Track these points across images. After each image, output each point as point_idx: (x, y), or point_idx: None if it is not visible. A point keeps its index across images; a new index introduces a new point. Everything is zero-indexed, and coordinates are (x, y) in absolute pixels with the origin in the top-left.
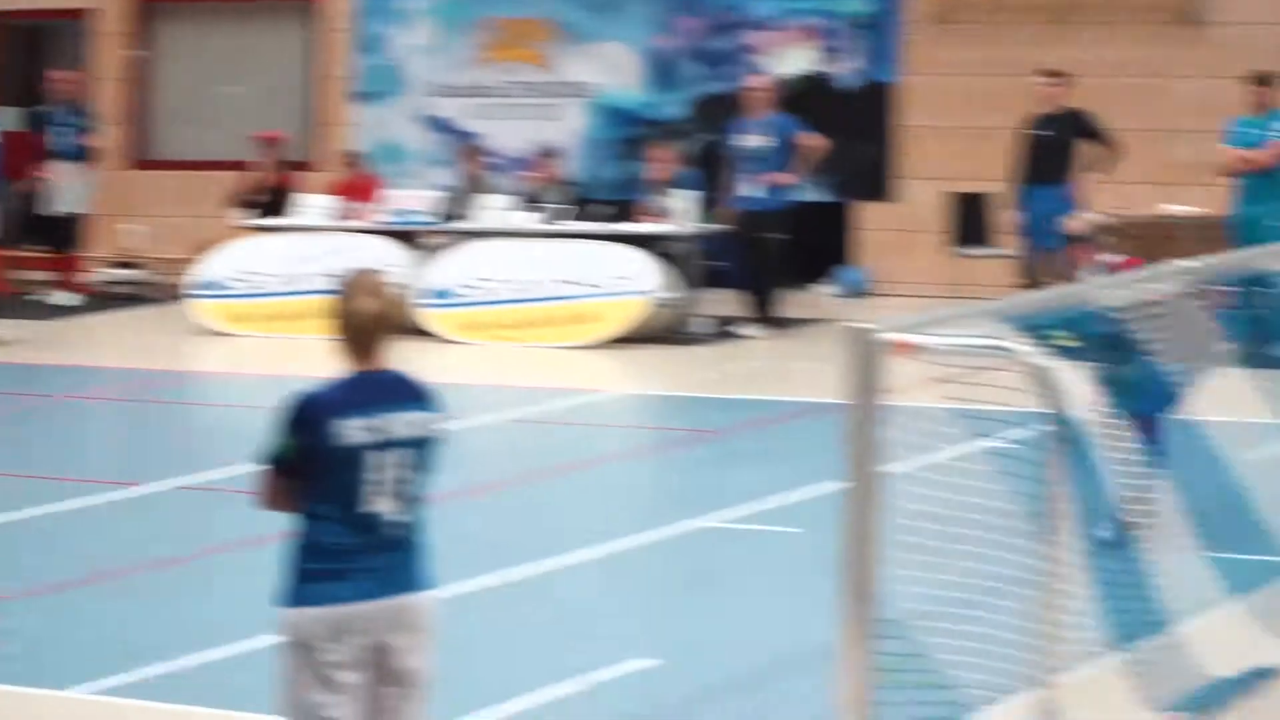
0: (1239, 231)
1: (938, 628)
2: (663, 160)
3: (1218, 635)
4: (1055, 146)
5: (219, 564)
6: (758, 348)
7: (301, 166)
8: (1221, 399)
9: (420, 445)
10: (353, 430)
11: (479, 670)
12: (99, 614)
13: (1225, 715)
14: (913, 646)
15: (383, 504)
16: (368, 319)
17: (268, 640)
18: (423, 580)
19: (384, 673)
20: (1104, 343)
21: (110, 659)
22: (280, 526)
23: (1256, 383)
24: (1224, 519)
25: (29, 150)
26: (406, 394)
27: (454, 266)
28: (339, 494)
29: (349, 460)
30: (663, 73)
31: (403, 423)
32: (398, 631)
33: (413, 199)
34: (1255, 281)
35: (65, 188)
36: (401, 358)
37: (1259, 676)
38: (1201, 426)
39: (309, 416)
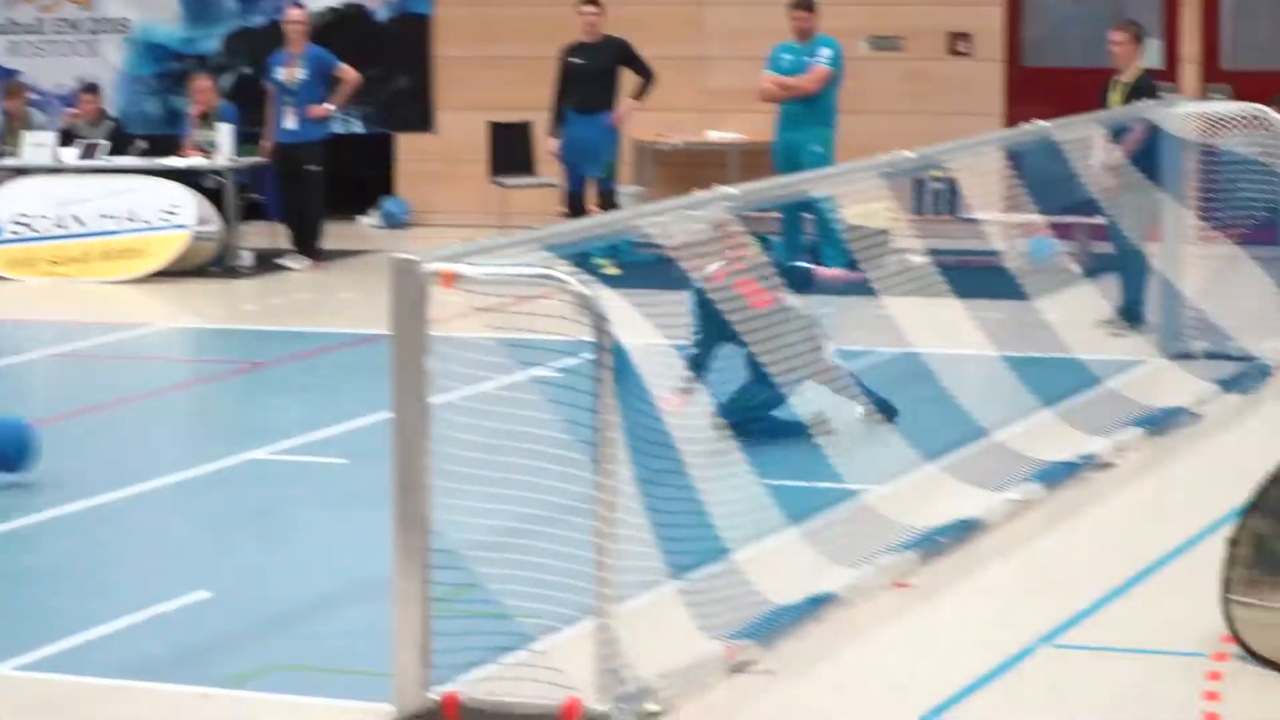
0: (780, 158)
1: (494, 558)
2: (202, 94)
3: (777, 563)
4: (595, 75)
5: None
6: (302, 280)
7: None
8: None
9: None
10: None
11: (38, 605)
12: None
13: (786, 642)
14: (469, 577)
15: None
16: None
17: None
18: None
19: None
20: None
21: None
22: None
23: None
24: (779, 446)
25: None
26: None
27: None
28: None
29: None
30: (200, 7)
31: None
32: None
33: None
34: (799, 207)
35: None
36: None
37: (818, 602)
38: (750, 356)
39: None
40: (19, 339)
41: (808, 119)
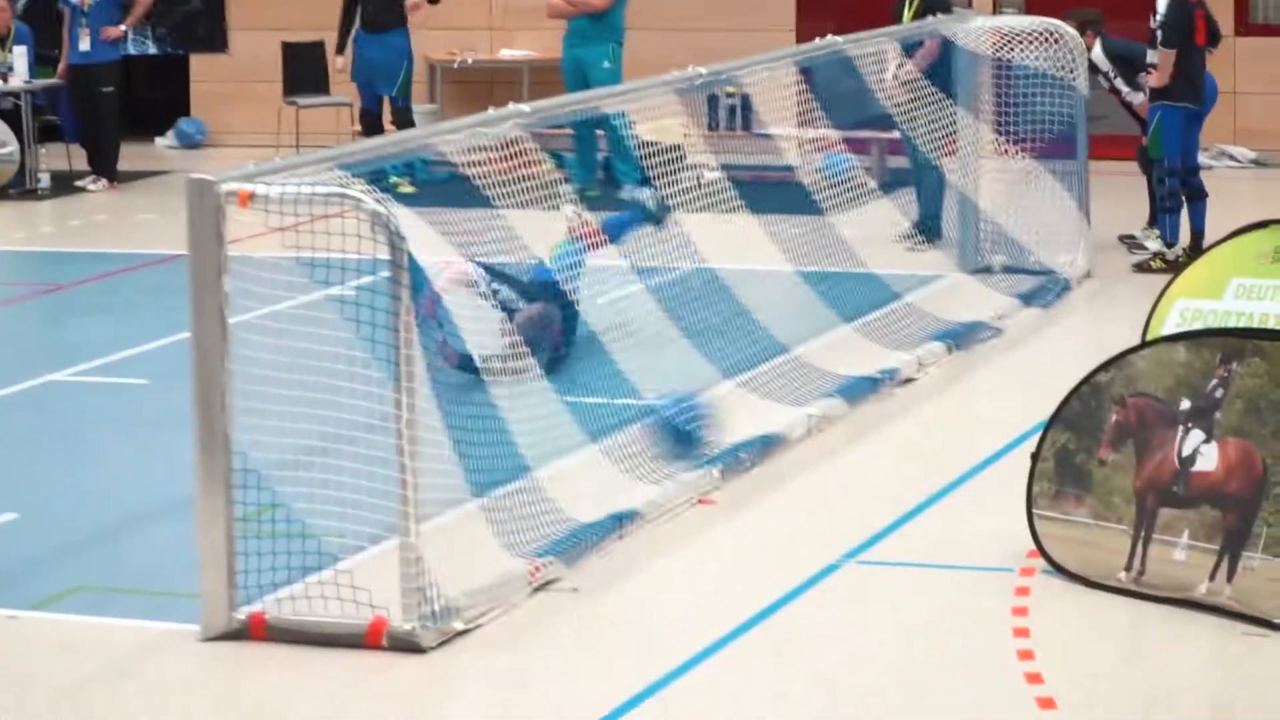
0: (568, 74)
1: (297, 477)
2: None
3: (578, 480)
4: None
5: None
6: (99, 201)
7: None
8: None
9: None
10: None
11: None
12: None
13: (589, 560)
14: (272, 497)
15: None
16: None
17: None
18: None
19: None
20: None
21: None
22: None
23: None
24: (582, 363)
25: None
26: None
27: None
28: None
29: None
30: None
31: None
32: None
33: None
34: (592, 124)
35: None
36: None
37: (620, 520)
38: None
39: None
40: None
41: (595, 35)
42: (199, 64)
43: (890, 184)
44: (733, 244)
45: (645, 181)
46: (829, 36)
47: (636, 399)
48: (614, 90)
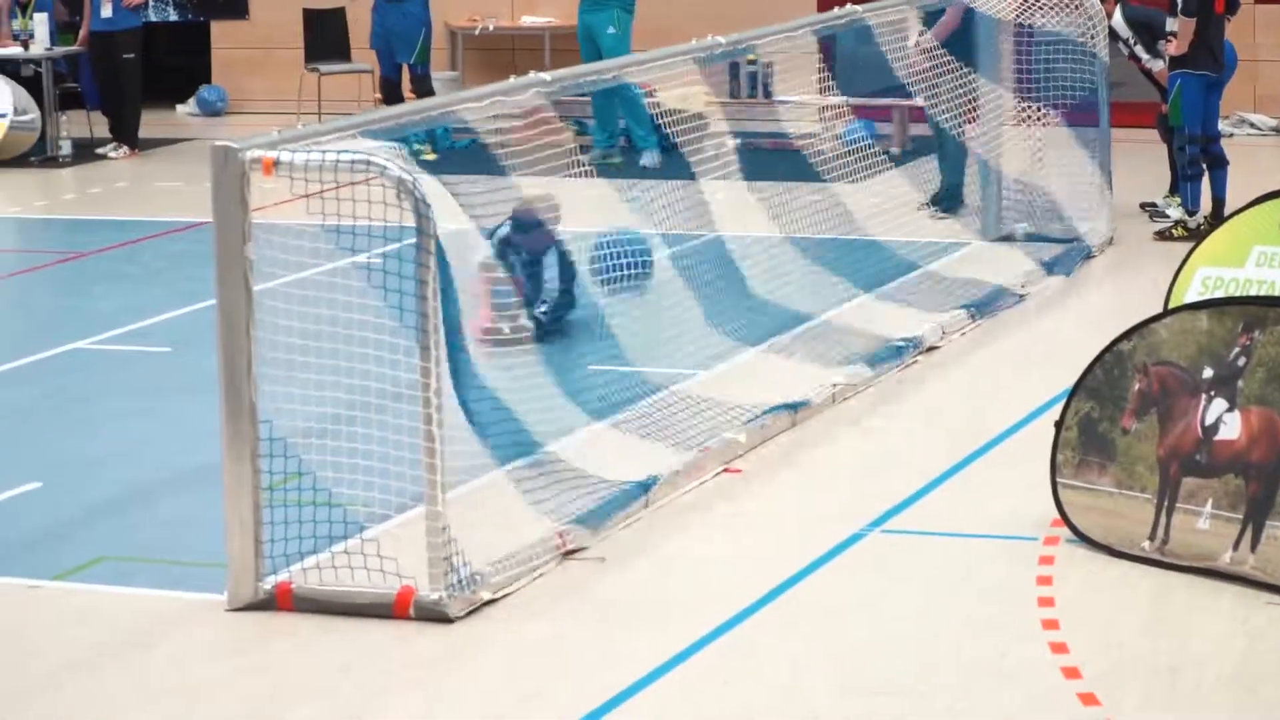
0: (581, 40)
1: (322, 445)
2: None
3: (605, 449)
4: None
5: None
6: (121, 169)
7: None
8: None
9: None
10: None
11: None
12: None
13: (615, 529)
14: (298, 465)
15: None
16: None
17: None
18: None
19: None
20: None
21: None
22: None
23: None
24: (607, 334)
25: None
26: None
27: None
28: None
29: None
30: None
31: None
32: None
33: None
34: (608, 93)
35: None
36: None
37: (646, 488)
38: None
39: None
40: None
41: (603, 0)
42: (220, 30)
43: (912, 152)
44: (754, 212)
45: (667, 148)
46: (849, 5)
47: (664, 367)
48: (635, 59)
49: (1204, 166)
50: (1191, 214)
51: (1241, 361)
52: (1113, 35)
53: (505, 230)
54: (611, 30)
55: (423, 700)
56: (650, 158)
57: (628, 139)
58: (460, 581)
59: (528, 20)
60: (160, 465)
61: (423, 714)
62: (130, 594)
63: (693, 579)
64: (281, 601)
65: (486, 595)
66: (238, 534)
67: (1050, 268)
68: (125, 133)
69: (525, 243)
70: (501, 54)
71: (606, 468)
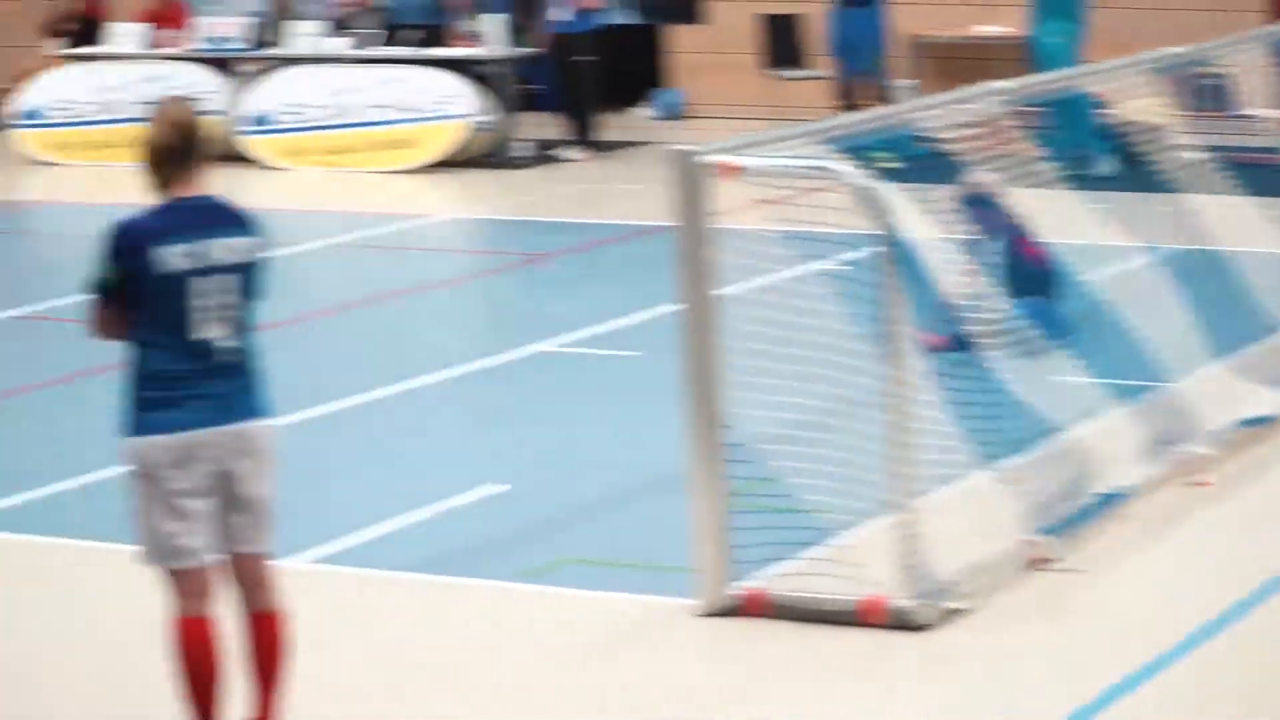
0: (1032, 52)
1: (789, 451)
2: None
3: (1078, 457)
4: None
5: (57, 395)
6: (579, 171)
7: None
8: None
9: (243, 270)
10: (172, 256)
11: (332, 498)
12: None
13: (1083, 538)
14: (764, 471)
15: (211, 330)
16: (179, 145)
17: (114, 471)
18: (261, 407)
19: (230, 500)
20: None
21: None
22: (116, 357)
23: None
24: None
25: None
26: (225, 219)
27: (272, 93)
28: (166, 320)
29: (171, 286)
30: None
31: (223, 248)
32: (240, 458)
33: (224, 25)
34: (1064, 103)
35: None
36: (222, 184)
37: (1112, 499)
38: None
39: (127, 244)
40: (298, 229)
41: (1052, 10)
42: (677, 34)
43: None
44: (1222, 224)
45: (1128, 159)
46: None
47: (1128, 379)
48: (1092, 69)
49: None
50: None
51: None
52: None
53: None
54: (1055, 39)
55: (898, 710)
56: (1104, 165)
57: (1083, 148)
58: (930, 590)
59: (984, 30)
60: (628, 469)
61: None
62: (599, 597)
63: (1161, 592)
64: (751, 607)
65: (958, 604)
66: (706, 539)
67: None
68: (583, 135)
69: (980, 219)
70: (959, 63)
71: (1076, 477)
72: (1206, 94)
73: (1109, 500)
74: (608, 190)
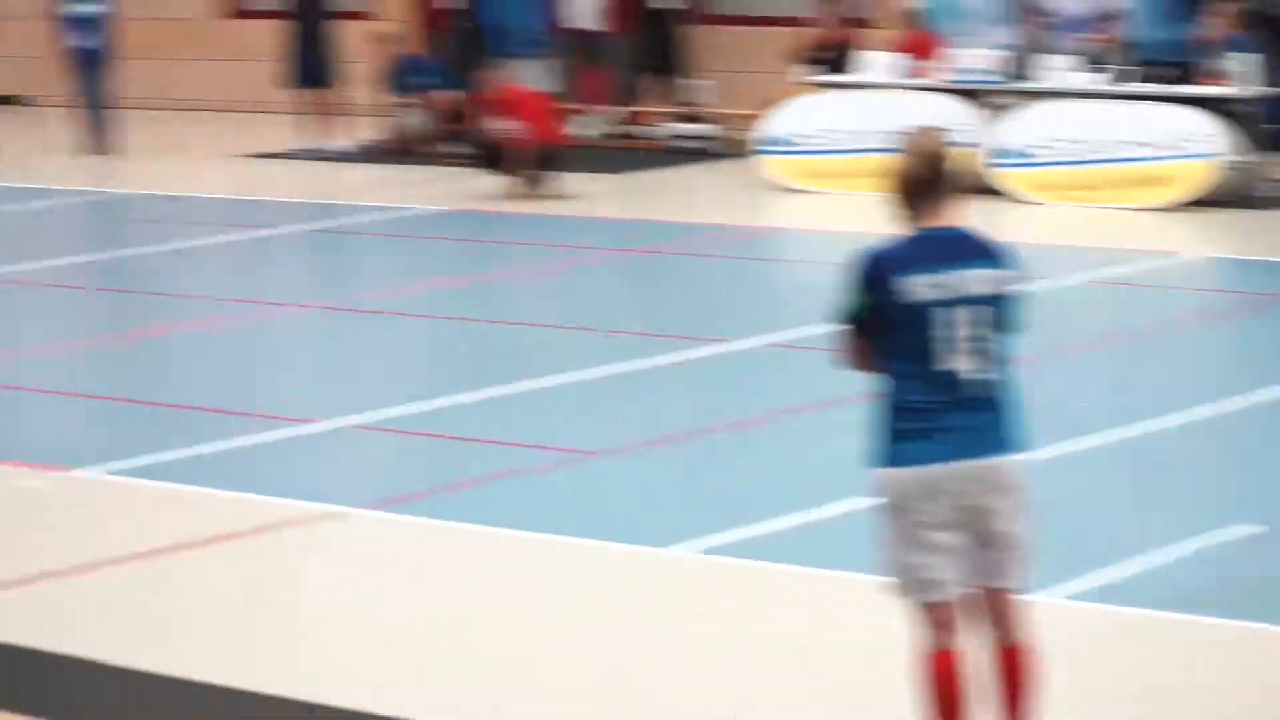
0: None
1: None
2: (1219, 22)
3: None
4: None
5: (807, 423)
6: None
7: (862, 24)
8: None
9: (994, 303)
10: (919, 287)
11: (1069, 536)
12: (694, 471)
13: None
14: None
15: (959, 362)
16: (930, 176)
17: (863, 502)
18: (1013, 441)
19: (983, 536)
20: None
21: (708, 518)
22: (861, 387)
23: None
24: None
25: None
26: (975, 251)
27: (1026, 126)
28: (913, 352)
29: (917, 317)
30: None
31: (973, 279)
32: (990, 493)
33: (977, 58)
34: None
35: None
36: (974, 216)
37: None
38: None
39: (875, 274)
40: (1056, 263)
41: None
42: None
43: None
44: None
45: None
46: None
47: None
48: None
49: None
50: None
51: None
52: None
53: None
54: None
55: None
56: None
57: None
58: None
59: None
60: None
61: None
62: None
63: None
64: None
65: None
66: None
67: None
68: None
69: None
70: None
71: None
72: None
73: None
74: None
